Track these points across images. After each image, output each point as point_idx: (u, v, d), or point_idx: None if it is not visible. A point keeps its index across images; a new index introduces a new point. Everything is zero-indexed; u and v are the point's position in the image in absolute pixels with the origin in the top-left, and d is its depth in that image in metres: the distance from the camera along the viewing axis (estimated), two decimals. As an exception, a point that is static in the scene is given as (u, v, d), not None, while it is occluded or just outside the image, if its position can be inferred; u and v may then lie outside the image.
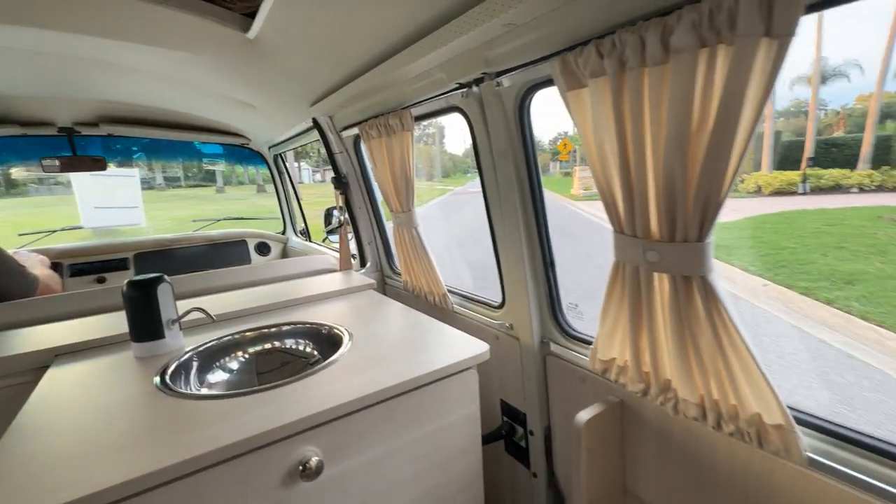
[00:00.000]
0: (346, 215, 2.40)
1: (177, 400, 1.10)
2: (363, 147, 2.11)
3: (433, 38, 1.14)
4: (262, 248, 3.73)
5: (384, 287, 2.46)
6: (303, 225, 3.73)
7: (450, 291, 1.89)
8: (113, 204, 3.95)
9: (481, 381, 1.74)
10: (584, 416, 1.14)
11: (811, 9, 0.66)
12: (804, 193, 11.88)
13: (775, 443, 0.85)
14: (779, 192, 12.17)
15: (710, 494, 1.03)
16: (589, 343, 1.34)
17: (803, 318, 4.65)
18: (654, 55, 0.77)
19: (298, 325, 1.60)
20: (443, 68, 1.33)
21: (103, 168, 3.05)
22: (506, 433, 1.69)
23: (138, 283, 1.39)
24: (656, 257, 0.89)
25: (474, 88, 1.31)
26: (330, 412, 1.02)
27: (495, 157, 1.36)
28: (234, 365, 1.47)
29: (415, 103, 1.59)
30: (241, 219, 4.11)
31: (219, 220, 4.11)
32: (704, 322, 0.87)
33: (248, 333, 1.54)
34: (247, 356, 1.50)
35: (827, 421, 0.85)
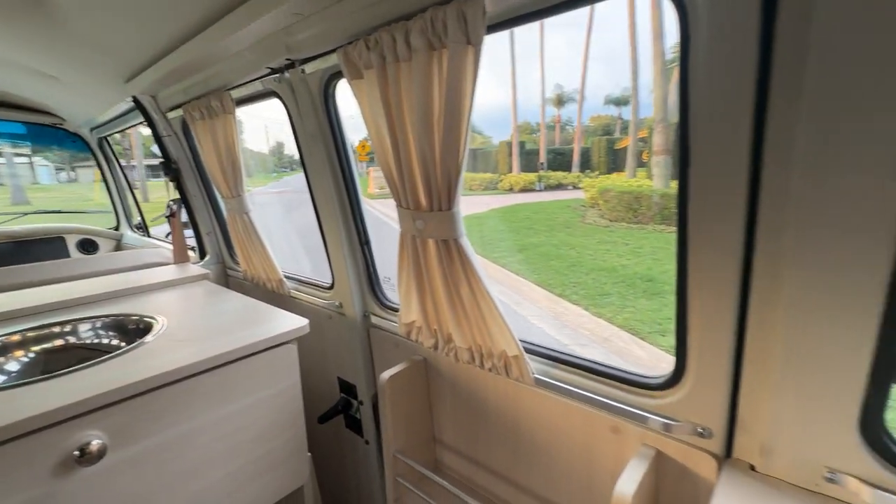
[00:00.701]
0: (181, 204, 2.24)
1: None
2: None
3: (233, 18, 1.16)
4: (87, 246, 3.25)
5: (226, 279, 2.36)
6: (139, 218, 3.34)
7: (287, 277, 1.90)
8: None
9: (318, 361, 1.79)
10: (385, 375, 1.27)
11: (491, 29, 0.86)
12: (540, 190, 16.57)
13: (515, 370, 1.07)
14: (525, 190, 16.73)
15: (486, 423, 1.25)
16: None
17: (485, 278, 7.72)
18: (403, 53, 0.92)
19: (101, 319, 1.47)
20: (253, 51, 1.35)
21: None
22: (343, 408, 1.78)
23: None
24: (423, 225, 1.05)
25: (286, 74, 1.36)
26: (114, 393, 0.99)
27: (309, 140, 1.42)
28: (13, 367, 1.30)
29: (235, 86, 1.58)
30: (58, 212, 3.52)
31: (26, 214, 3.47)
32: (462, 278, 1.05)
33: (29, 333, 1.37)
34: (30, 356, 1.34)
35: (546, 348, 1.10)
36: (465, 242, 1.03)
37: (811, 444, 0.71)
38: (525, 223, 10.15)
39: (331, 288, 1.70)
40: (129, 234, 3.38)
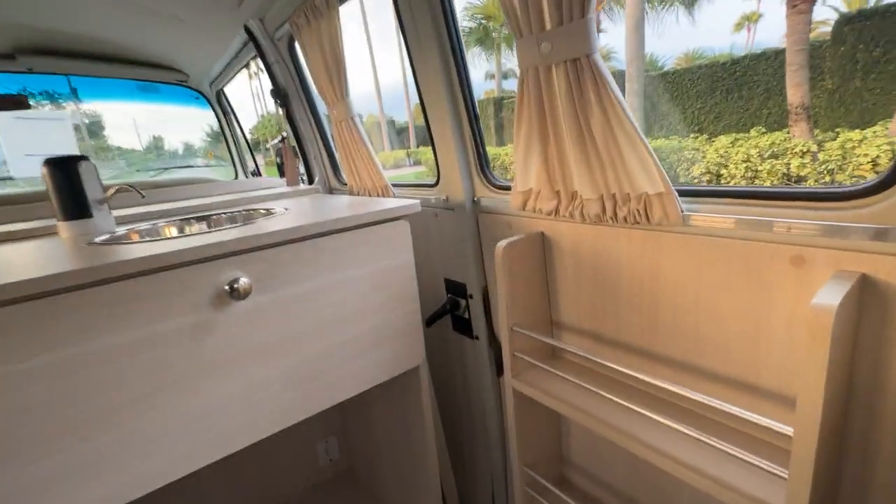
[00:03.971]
0: (290, 130, 2.37)
1: (104, 247, 1.11)
2: (297, 46, 2.07)
3: None
4: None
5: None
6: (254, 165, 3.66)
7: (392, 185, 1.92)
8: (46, 151, 3.74)
9: (424, 264, 1.80)
10: (502, 243, 1.21)
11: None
12: (410, 166, 20.24)
13: (658, 211, 0.93)
14: (396, 166, 20.28)
15: (615, 291, 1.13)
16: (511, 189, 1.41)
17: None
18: None
19: (234, 211, 1.61)
20: None
21: (25, 107, 2.87)
22: (450, 308, 1.77)
23: (57, 161, 1.38)
24: (549, 48, 0.94)
25: None
26: (251, 240, 1.05)
27: (420, 24, 1.36)
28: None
29: None
30: (188, 167, 4.00)
31: (167, 169, 3.99)
32: (595, 106, 0.93)
33: (182, 217, 1.55)
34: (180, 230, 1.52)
35: (691, 185, 0.94)
36: (598, 59, 0.90)
37: None
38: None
39: (436, 185, 1.67)
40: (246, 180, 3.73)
